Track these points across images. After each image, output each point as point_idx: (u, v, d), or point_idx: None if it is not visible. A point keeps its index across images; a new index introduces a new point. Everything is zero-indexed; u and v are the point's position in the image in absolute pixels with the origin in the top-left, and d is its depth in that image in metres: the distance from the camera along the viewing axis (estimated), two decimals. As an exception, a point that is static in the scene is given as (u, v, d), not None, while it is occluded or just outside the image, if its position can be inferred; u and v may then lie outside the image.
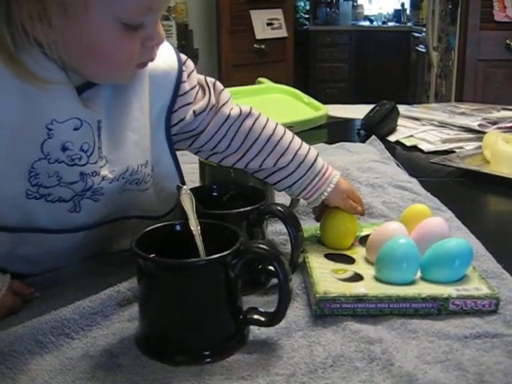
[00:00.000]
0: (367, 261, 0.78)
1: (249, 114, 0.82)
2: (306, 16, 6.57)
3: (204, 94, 0.81)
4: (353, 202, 0.84)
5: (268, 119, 0.84)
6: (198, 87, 0.81)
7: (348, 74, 6.20)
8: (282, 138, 0.82)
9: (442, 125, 1.60)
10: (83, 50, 0.65)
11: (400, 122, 1.64)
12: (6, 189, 0.69)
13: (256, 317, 0.63)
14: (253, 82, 1.99)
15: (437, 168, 1.29)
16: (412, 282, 0.71)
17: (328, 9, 6.42)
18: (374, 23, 6.57)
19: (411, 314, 0.67)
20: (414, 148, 1.48)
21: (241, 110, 0.81)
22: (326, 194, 0.82)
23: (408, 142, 1.50)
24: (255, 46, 3.09)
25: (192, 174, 1.04)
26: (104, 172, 0.71)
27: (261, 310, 0.63)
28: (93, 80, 0.70)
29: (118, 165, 0.73)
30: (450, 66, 3.50)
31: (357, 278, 0.73)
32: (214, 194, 0.77)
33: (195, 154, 0.85)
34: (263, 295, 0.73)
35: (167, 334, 0.61)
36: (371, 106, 1.65)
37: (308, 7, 6.62)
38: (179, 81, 0.77)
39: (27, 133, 0.66)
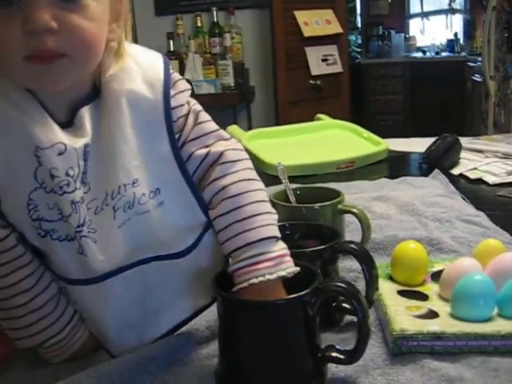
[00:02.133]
0: (441, 297, 0.77)
1: (216, 159, 0.72)
2: (358, 50, 6.60)
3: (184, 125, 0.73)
4: None
5: (242, 170, 0.72)
6: (183, 118, 0.72)
7: (402, 106, 6.17)
8: (242, 207, 0.69)
9: (507, 156, 1.58)
10: None
11: (462, 154, 1.63)
12: (21, 227, 0.67)
13: (335, 354, 0.63)
14: (309, 118, 2.01)
15: (504, 201, 1.27)
16: (489, 319, 0.70)
17: (380, 42, 6.44)
18: (427, 54, 6.54)
19: (491, 352, 0.67)
20: (479, 181, 1.46)
21: (208, 152, 0.72)
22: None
23: (472, 175, 1.49)
24: (311, 82, 3.12)
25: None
26: (87, 200, 0.67)
27: (339, 347, 0.64)
28: None
29: (98, 189, 0.67)
30: (509, 95, 3.45)
31: (432, 315, 0.72)
32: (287, 232, 0.79)
33: None
34: (338, 333, 0.73)
35: (247, 373, 0.62)
36: (430, 139, 1.64)
37: (360, 41, 6.66)
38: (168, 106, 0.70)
39: (19, 163, 0.64)
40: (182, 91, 0.72)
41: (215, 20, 3.28)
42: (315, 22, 3.10)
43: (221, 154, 0.71)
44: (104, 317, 0.72)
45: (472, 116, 4.87)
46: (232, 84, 3.15)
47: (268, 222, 0.68)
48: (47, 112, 0.65)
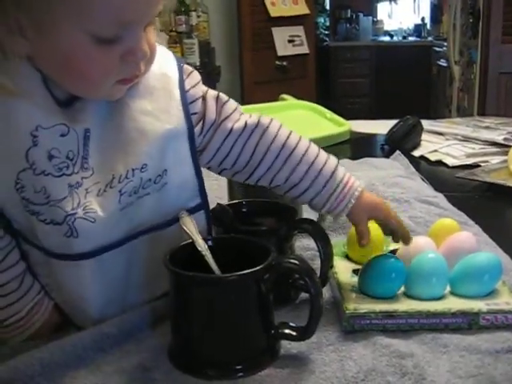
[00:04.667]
0: (396, 276, 0.78)
1: (256, 126, 0.75)
2: (326, 32, 6.60)
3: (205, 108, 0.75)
4: (385, 217, 0.76)
5: (279, 128, 0.76)
6: (201, 100, 0.75)
7: (369, 89, 6.20)
8: (293, 151, 0.74)
9: (467, 139, 1.60)
10: (58, 65, 0.62)
11: (424, 136, 1.64)
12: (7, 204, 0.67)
13: (287, 331, 0.63)
14: (275, 99, 2.00)
15: (462, 182, 1.29)
16: (441, 297, 0.71)
17: (348, 24, 6.44)
18: (395, 38, 6.57)
19: (441, 329, 0.67)
20: (439, 163, 1.47)
21: (246, 123, 0.75)
22: (346, 209, 0.75)
23: (432, 157, 1.50)
24: (277, 62, 3.11)
25: (217, 191, 1.05)
26: (87, 184, 0.66)
27: (292, 324, 0.64)
28: (75, 94, 0.66)
29: (103, 173, 0.67)
30: (472, 80, 3.49)
31: (386, 293, 0.73)
32: (244, 210, 0.78)
33: (207, 169, 0.79)
34: (293, 310, 0.73)
35: (200, 349, 0.62)
36: (394, 121, 1.65)
37: (328, 23, 6.65)
38: (183, 90, 0.73)
39: (10, 141, 0.64)
40: (196, 84, 0.75)
41: (181, -2, 3.24)
42: (282, 2, 3.09)
43: (259, 121, 0.76)
44: (88, 294, 0.70)
45: (437, 100, 4.92)
46: (198, 63, 3.11)
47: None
48: (48, 89, 0.65)
